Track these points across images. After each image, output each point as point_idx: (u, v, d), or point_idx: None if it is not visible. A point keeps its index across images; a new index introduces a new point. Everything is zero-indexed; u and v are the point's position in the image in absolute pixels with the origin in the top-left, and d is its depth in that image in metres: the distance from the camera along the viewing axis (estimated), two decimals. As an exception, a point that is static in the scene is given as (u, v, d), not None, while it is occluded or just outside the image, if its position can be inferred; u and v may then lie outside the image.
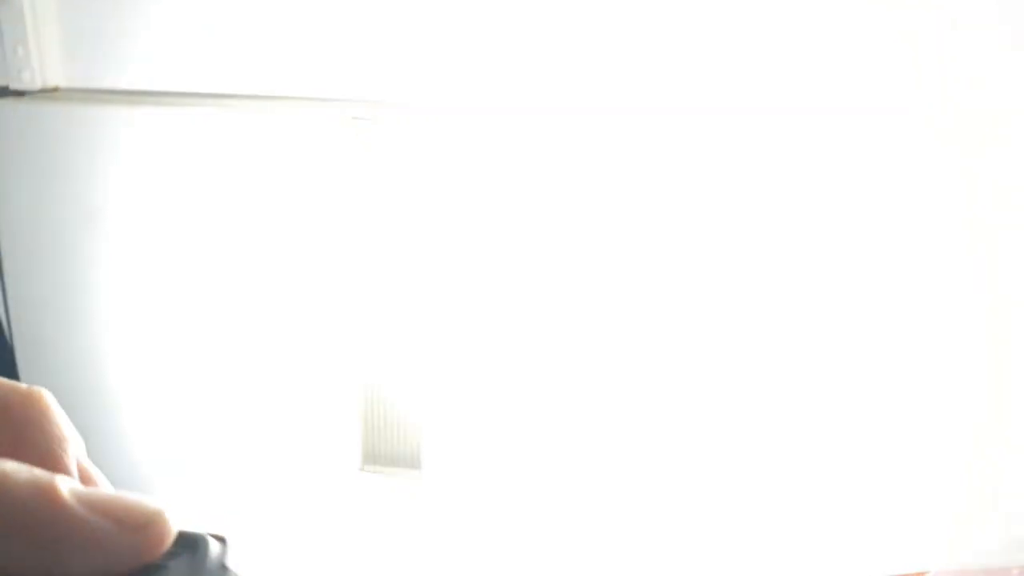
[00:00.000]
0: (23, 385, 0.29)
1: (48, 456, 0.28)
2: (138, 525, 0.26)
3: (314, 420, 0.89)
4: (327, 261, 0.85)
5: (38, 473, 0.25)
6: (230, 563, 0.27)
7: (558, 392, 0.95)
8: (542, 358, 0.94)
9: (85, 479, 0.29)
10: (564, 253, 0.88)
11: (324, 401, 0.88)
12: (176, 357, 0.91)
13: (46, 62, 0.93)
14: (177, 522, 0.27)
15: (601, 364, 0.92)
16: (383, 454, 0.89)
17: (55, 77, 0.94)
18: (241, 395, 0.90)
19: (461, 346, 0.85)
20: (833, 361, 0.90)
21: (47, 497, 0.25)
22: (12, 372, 0.90)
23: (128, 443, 0.91)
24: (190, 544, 0.27)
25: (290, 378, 0.88)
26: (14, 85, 0.93)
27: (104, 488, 0.30)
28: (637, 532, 0.97)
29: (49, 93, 0.93)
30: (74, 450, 0.29)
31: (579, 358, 0.92)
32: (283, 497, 0.91)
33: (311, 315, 0.87)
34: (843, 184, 0.85)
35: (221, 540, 0.28)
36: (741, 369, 0.91)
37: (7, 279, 0.91)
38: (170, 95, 0.92)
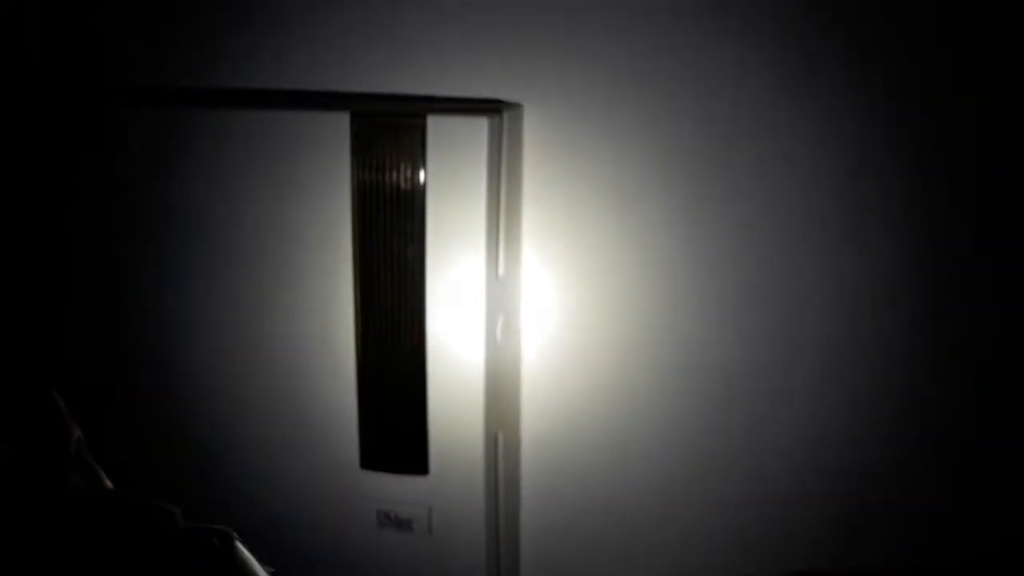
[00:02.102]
0: (30, 382, 0.29)
1: (52, 448, 0.28)
2: (141, 521, 0.26)
3: (315, 418, 0.89)
4: (328, 260, 0.85)
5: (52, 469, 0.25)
6: (233, 557, 0.28)
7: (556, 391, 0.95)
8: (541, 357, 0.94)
9: (85, 472, 0.29)
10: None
11: (325, 399, 0.88)
12: (176, 355, 0.91)
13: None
14: (180, 518, 0.27)
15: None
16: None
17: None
18: (242, 392, 0.90)
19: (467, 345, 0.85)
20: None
21: (58, 495, 0.25)
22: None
23: (136, 440, 0.91)
24: (193, 539, 0.28)
25: (292, 376, 0.88)
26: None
27: (104, 481, 0.30)
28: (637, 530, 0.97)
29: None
30: (76, 444, 0.30)
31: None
32: (285, 495, 0.91)
33: (311, 315, 0.87)
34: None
35: (224, 535, 0.28)
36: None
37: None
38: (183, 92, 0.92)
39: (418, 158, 0.81)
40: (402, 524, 0.89)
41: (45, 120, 0.88)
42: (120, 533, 0.26)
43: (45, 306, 0.90)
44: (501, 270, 0.86)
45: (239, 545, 0.27)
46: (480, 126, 0.81)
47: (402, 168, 0.82)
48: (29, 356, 0.87)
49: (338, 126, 0.82)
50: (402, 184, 0.82)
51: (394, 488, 0.88)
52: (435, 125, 0.81)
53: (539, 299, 0.93)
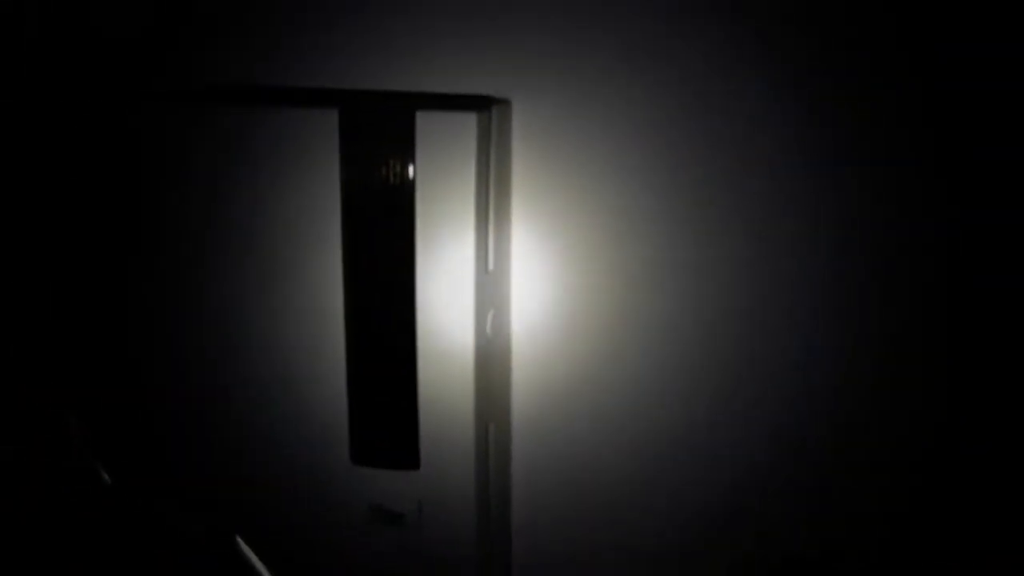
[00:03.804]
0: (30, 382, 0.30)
1: (52, 448, 0.29)
2: (141, 521, 0.27)
3: (306, 415, 0.89)
4: (325, 258, 0.86)
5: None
6: (234, 557, 0.28)
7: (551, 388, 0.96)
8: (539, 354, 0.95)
9: (86, 471, 0.30)
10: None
11: (315, 396, 0.88)
12: (165, 352, 0.91)
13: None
14: (178, 517, 0.27)
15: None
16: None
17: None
18: (232, 390, 0.90)
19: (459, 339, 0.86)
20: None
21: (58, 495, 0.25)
22: None
23: (131, 439, 0.91)
24: (193, 539, 0.28)
25: (281, 373, 0.89)
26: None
27: (105, 480, 0.30)
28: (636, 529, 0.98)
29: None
30: (76, 442, 0.30)
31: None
32: (275, 492, 0.91)
33: (305, 311, 0.87)
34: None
35: (224, 535, 0.28)
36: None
37: None
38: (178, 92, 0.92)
39: (407, 154, 0.82)
40: (393, 519, 0.89)
41: (42, 120, 0.88)
42: (120, 533, 0.26)
43: (45, 306, 0.90)
44: (491, 265, 0.86)
45: (240, 543, 0.28)
46: (469, 122, 0.81)
47: (391, 164, 0.82)
48: (29, 356, 0.87)
49: (326, 123, 0.82)
50: (391, 180, 0.82)
51: (385, 483, 0.89)
52: (424, 121, 0.81)
53: (529, 293, 0.93)
